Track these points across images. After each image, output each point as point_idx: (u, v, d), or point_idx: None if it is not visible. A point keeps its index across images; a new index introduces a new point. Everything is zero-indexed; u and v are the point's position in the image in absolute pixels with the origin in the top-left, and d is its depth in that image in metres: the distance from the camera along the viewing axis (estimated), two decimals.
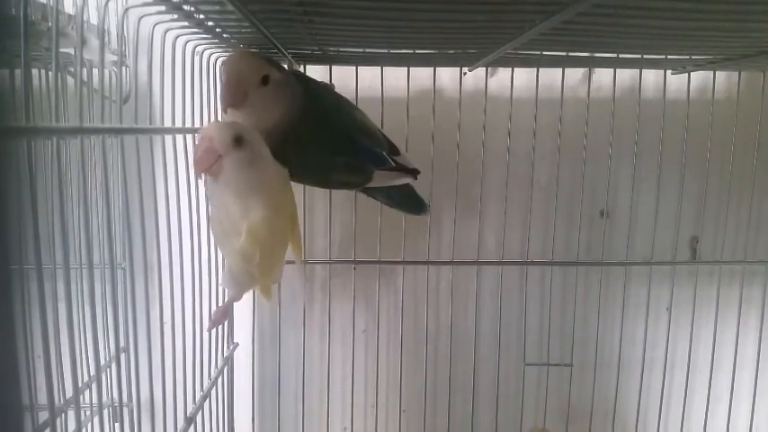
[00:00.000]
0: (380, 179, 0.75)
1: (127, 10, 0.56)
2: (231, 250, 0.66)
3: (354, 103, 0.80)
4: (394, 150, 0.77)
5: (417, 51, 0.77)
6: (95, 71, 0.62)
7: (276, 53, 0.75)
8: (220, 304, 0.81)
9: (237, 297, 0.72)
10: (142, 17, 0.58)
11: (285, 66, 0.80)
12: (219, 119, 0.72)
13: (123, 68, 0.72)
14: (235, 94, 0.61)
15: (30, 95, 0.42)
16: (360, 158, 0.73)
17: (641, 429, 0.96)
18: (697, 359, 0.95)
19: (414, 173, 0.76)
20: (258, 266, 0.65)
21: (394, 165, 0.75)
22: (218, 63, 0.82)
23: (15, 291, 0.36)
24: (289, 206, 0.70)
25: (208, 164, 0.61)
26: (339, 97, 0.76)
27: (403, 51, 0.78)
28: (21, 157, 0.39)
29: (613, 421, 0.95)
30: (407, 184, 0.79)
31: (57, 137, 0.45)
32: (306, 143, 0.68)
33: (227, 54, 0.81)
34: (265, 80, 0.62)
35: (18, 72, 0.40)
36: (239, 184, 0.62)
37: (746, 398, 0.95)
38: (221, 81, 0.62)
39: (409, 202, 0.82)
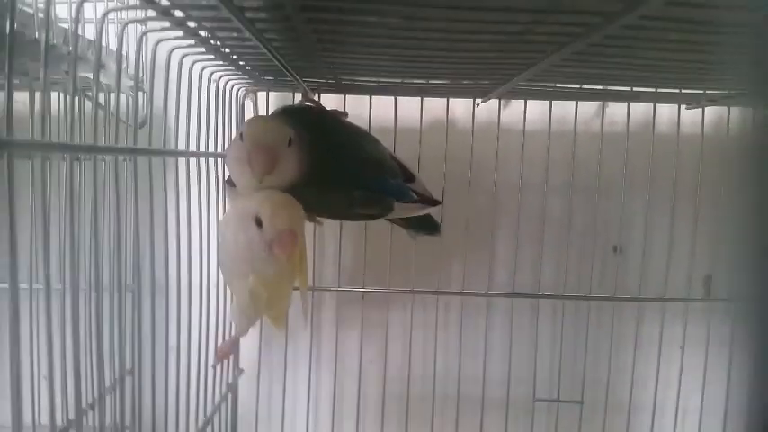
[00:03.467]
0: (401, 210, 0.75)
1: (145, 34, 0.57)
2: (239, 286, 0.66)
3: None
4: (408, 177, 0.77)
5: (431, 82, 0.78)
6: (112, 95, 0.63)
7: (292, 81, 0.76)
8: (227, 338, 0.80)
9: (244, 332, 0.72)
10: (159, 42, 0.59)
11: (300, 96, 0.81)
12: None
13: (140, 93, 0.73)
14: (270, 163, 0.60)
15: (47, 114, 0.42)
16: (377, 188, 0.74)
17: None
18: (709, 402, 0.92)
19: (434, 203, 0.77)
20: (268, 307, 0.65)
21: (415, 197, 0.76)
22: (234, 90, 0.83)
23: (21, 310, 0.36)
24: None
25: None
26: (346, 129, 0.76)
27: (416, 82, 0.78)
28: (35, 173, 0.39)
29: None
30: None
31: (70, 154, 0.45)
32: (323, 185, 0.68)
33: (242, 81, 0.82)
34: (290, 142, 0.62)
35: (38, 93, 0.41)
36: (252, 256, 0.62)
37: None
38: (247, 148, 0.61)
39: (423, 221, 0.82)
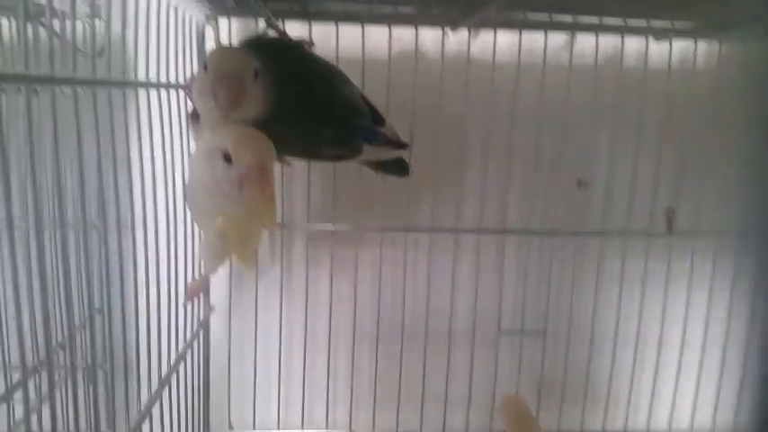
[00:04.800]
0: (370, 153, 0.74)
1: None
2: (207, 224, 0.64)
3: (335, 63, 0.78)
4: (378, 120, 0.75)
5: (399, 9, 0.76)
6: (68, 22, 0.60)
7: (254, 7, 0.73)
8: (196, 276, 0.80)
9: (214, 270, 0.71)
10: None
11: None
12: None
13: (96, 21, 0.69)
14: (236, 96, 0.58)
15: None
16: (346, 131, 0.72)
17: (612, 401, 0.97)
18: (668, 334, 0.96)
19: (403, 146, 0.75)
20: (235, 247, 0.64)
21: (383, 140, 0.74)
22: (194, 17, 0.79)
23: None
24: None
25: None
26: (316, 65, 0.73)
27: (385, 9, 0.76)
28: None
29: (585, 392, 0.96)
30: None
31: (26, 85, 0.43)
32: (290, 123, 0.66)
33: (203, 7, 0.78)
34: (256, 74, 0.59)
35: None
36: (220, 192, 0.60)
37: (715, 374, 0.97)
38: (211, 80, 0.58)
39: (392, 163, 0.81)
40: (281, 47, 0.73)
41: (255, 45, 0.69)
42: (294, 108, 0.66)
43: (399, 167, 0.82)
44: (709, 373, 0.97)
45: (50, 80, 0.44)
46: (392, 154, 0.76)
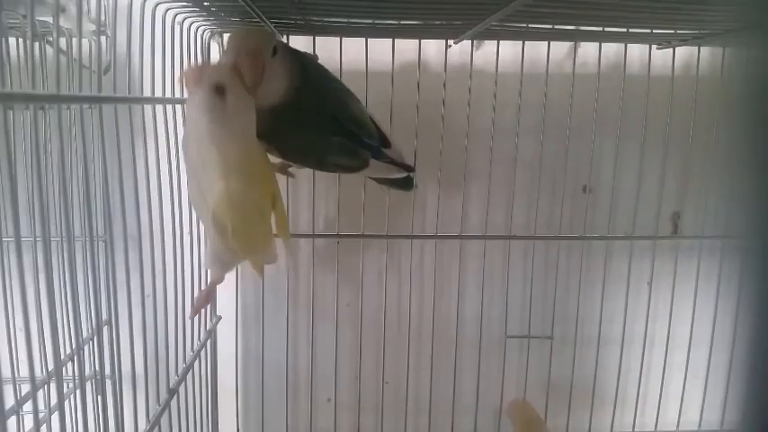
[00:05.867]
0: (375, 170, 0.74)
1: None
2: (207, 217, 0.65)
3: (338, 75, 0.79)
4: (385, 142, 0.75)
5: (402, 22, 0.77)
6: (74, 40, 0.61)
7: (258, 22, 0.74)
8: (203, 287, 0.80)
9: (220, 279, 0.72)
10: None
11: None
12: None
13: (102, 38, 0.71)
14: (258, 70, 0.59)
15: (6, 62, 0.41)
16: (354, 143, 0.72)
17: (620, 403, 0.97)
18: (676, 334, 0.96)
19: (409, 169, 0.76)
20: (236, 239, 0.63)
21: (389, 160, 0.74)
22: (199, 32, 0.80)
23: None
24: (268, 183, 0.66)
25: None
26: (330, 76, 0.74)
27: (388, 22, 0.77)
28: None
29: (593, 395, 0.96)
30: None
31: (33, 104, 0.44)
32: (304, 119, 0.67)
33: (207, 24, 0.79)
34: (275, 51, 0.61)
35: None
36: (214, 133, 0.59)
37: (723, 374, 0.97)
38: (233, 57, 0.59)
39: (399, 180, 0.81)
40: (303, 53, 0.74)
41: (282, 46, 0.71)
42: (309, 106, 0.67)
43: (404, 182, 0.81)
44: (716, 373, 0.97)
45: (56, 98, 0.45)
46: (396, 174, 0.76)
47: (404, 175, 0.76)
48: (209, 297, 0.74)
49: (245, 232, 0.62)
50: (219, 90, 0.57)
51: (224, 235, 0.61)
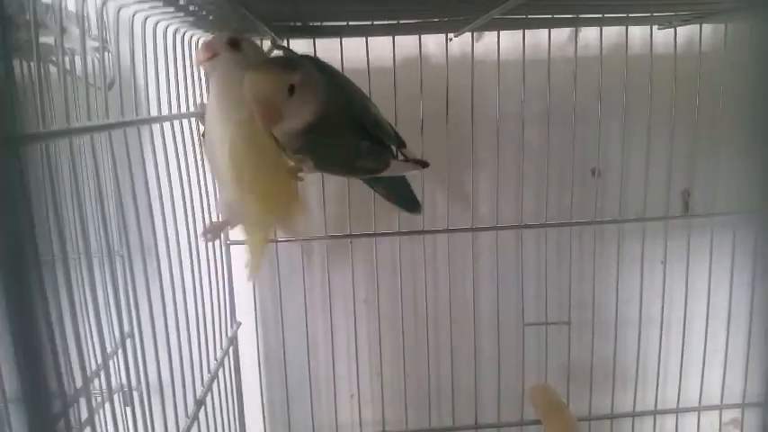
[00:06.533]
0: (396, 168, 0.76)
1: (105, 2, 0.55)
2: (223, 173, 0.68)
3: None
4: (401, 143, 0.78)
5: (402, 21, 0.77)
6: (77, 59, 0.61)
7: (257, 30, 0.74)
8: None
9: (233, 224, 0.75)
10: (121, 8, 0.57)
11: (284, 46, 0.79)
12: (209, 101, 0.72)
13: (106, 54, 0.71)
14: (272, 116, 0.62)
15: (13, 98, 0.41)
16: (379, 145, 0.75)
17: (641, 382, 0.97)
18: (692, 311, 0.96)
19: (424, 165, 0.78)
20: (250, 189, 0.66)
21: (405, 158, 0.78)
22: (200, 43, 0.81)
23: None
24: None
25: (203, 57, 0.68)
26: (349, 82, 0.76)
27: (387, 22, 0.77)
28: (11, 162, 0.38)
29: (613, 376, 0.97)
30: (408, 184, 0.83)
31: (45, 142, 0.45)
32: (334, 130, 0.69)
33: (207, 36, 0.80)
34: (292, 89, 0.62)
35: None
36: (227, 86, 0.67)
37: (742, 347, 0.97)
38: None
39: (406, 199, 0.84)
40: (322, 62, 0.75)
41: (300, 57, 0.73)
42: (339, 116, 0.69)
43: (413, 204, 0.85)
44: (736, 347, 0.97)
45: (67, 132, 0.46)
46: (414, 169, 0.78)
47: (418, 170, 0.78)
48: (221, 228, 0.78)
49: (260, 181, 0.68)
50: (234, 43, 0.67)
51: (240, 182, 0.66)
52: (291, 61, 0.66)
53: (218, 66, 0.68)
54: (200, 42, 0.71)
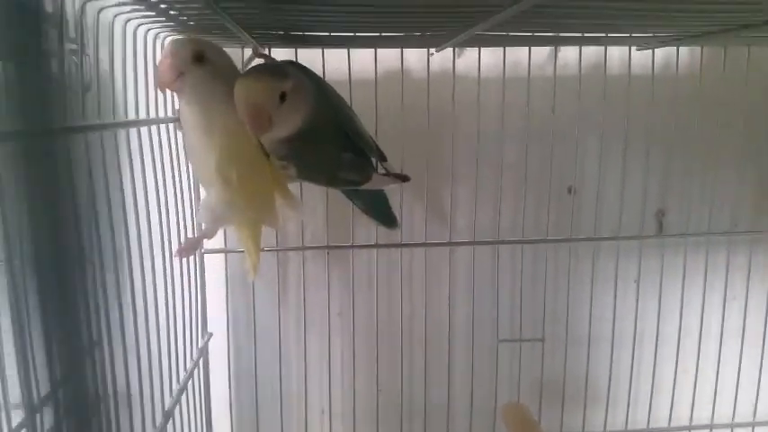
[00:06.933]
0: (376, 182, 0.76)
1: (84, 4, 0.54)
2: (209, 176, 0.67)
3: None
4: (382, 157, 0.78)
5: (384, 34, 0.77)
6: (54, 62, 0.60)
7: (240, 37, 0.74)
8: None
9: (211, 233, 0.74)
10: (102, 10, 0.57)
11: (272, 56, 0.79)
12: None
13: (84, 57, 0.70)
14: (262, 124, 0.61)
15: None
16: (361, 157, 0.74)
17: (612, 400, 0.98)
18: (664, 330, 0.97)
19: (405, 179, 0.78)
20: (240, 188, 0.66)
21: (385, 172, 0.78)
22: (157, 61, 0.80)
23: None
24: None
25: (169, 80, 0.64)
26: (335, 92, 0.75)
27: (369, 34, 0.77)
28: None
29: (585, 393, 0.97)
30: (386, 199, 0.83)
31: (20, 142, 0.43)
32: (320, 138, 0.69)
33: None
34: (283, 97, 0.61)
35: None
36: (203, 100, 0.65)
37: (712, 366, 0.98)
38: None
39: (384, 214, 0.84)
40: (308, 69, 0.74)
41: (286, 64, 0.72)
42: (326, 125, 0.68)
43: (390, 220, 0.84)
44: (705, 368, 0.98)
45: (48, 132, 0.45)
46: (394, 183, 0.78)
47: (399, 183, 0.78)
48: (195, 245, 0.77)
49: (248, 180, 0.67)
50: (199, 57, 0.64)
51: (229, 183, 0.65)
52: (282, 68, 0.65)
53: (186, 83, 0.65)
54: (158, 61, 0.66)
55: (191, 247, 0.75)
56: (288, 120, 0.64)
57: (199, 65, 0.64)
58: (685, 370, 0.98)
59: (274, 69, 0.65)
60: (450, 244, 0.93)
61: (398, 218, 0.85)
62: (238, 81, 0.62)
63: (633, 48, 0.89)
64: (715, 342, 0.98)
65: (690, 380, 0.98)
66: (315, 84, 0.69)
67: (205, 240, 0.81)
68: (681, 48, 0.89)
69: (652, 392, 0.98)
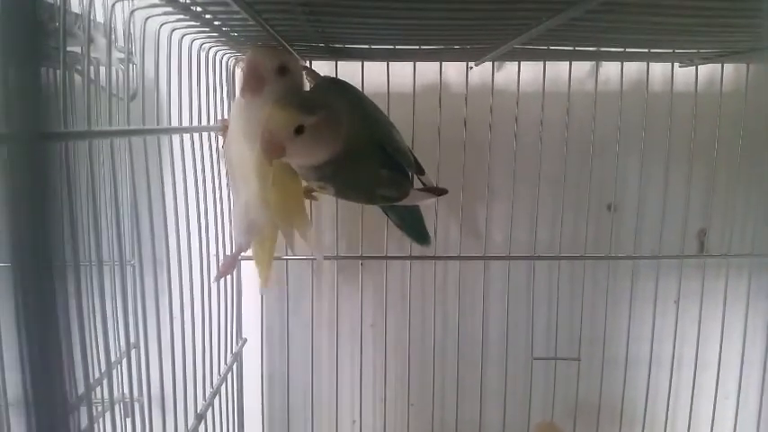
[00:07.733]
0: (414, 197, 0.76)
1: (133, 12, 0.56)
2: (247, 189, 0.68)
3: None
4: (420, 170, 0.78)
5: (423, 47, 0.77)
6: (102, 69, 0.62)
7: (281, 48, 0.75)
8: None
9: (246, 245, 0.74)
10: (148, 18, 0.58)
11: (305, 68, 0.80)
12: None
13: (130, 66, 0.72)
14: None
15: (40, 96, 0.42)
16: (399, 173, 0.74)
17: (648, 424, 0.95)
18: (705, 354, 0.94)
19: (442, 193, 0.78)
20: (275, 208, 0.68)
21: (423, 187, 0.78)
22: (224, 60, 0.82)
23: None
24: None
25: (257, 89, 0.64)
26: (374, 106, 0.75)
27: (409, 47, 0.78)
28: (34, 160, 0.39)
29: (621, 416, 0.95)
30: (421, 216, 0.82)
31: (65, 141, 0.45)
32: (356, 161, 0.69)
33: (232, 51, 0.81)
34: (300, 130, 0.62)
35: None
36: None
37: (754, 393, 0.95)
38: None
39: (417, 231, 0.83)
40: (351, 87, 0.75)
41: (328, 86, 0.74)
42: (362, 147, 0.69)
43: (423, 237, 0.84)
44: (747, 394, 0.95)
45: (88, 134, 0.47)
46: (432, 199, 0.78)
47: (435, 199, 0.78)
48: (233, 263, 0.78)
49: (283, 183, 0.69)
50: (282, 70, 0.65)
51: (266, 181, 0.67)
52: (313, 102, 0.65)
53: (267, 93, 0.65)
54: (244, 66, 0.66)
55: (229, 266, 0.77)
56: (307, 152, 0.64)
57: (281, 77, 0.66)
58: (726, 396, 0.95)
59: (304, 102, 0.66)
60: (484, 258, 0.92)
61: (432, 232, 0.85)
62: (270, 107, 0.63)
63: (676, 64, 0.88)
64: (758, 370, 0.95)
65: (731, 407, 0.95)
66: (353, 101, 0.69)
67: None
68: (726, 64, 0.88)
69: (690, 418, 0.95)
